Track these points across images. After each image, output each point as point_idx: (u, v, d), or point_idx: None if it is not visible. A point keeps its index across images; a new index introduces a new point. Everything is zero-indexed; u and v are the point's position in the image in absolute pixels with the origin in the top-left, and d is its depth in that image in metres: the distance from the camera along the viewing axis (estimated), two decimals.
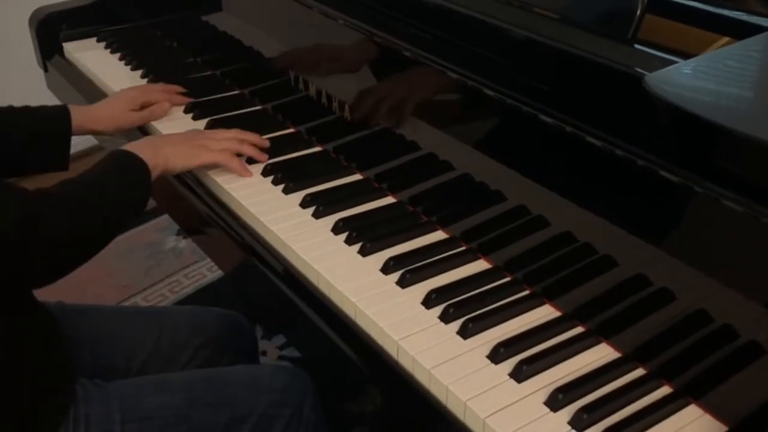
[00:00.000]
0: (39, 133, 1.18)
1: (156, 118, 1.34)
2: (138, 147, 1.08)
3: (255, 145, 1.21)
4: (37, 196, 0.92)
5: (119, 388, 1.01)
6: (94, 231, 0.97)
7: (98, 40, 1.65)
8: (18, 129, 1.17)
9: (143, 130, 1.35)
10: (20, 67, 2.00)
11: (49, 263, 0.92)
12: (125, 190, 1.03)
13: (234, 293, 1.86)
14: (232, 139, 1.19)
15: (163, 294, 2.11)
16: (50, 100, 1.68)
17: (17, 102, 1.22)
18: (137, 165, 1.05)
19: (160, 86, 1.40)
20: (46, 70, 1.68)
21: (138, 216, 1.07)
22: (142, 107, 1.34)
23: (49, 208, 0.92)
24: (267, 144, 1.22)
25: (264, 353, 1.75)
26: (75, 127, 1.23)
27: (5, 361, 0.91)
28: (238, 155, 1.18)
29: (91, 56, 1.60)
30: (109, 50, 1.62)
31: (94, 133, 1.31)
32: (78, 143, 1.25)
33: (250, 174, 1.16)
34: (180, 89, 1.40)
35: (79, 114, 1.25)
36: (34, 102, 1.23)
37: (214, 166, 1.18)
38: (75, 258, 0.95)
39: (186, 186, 1.23)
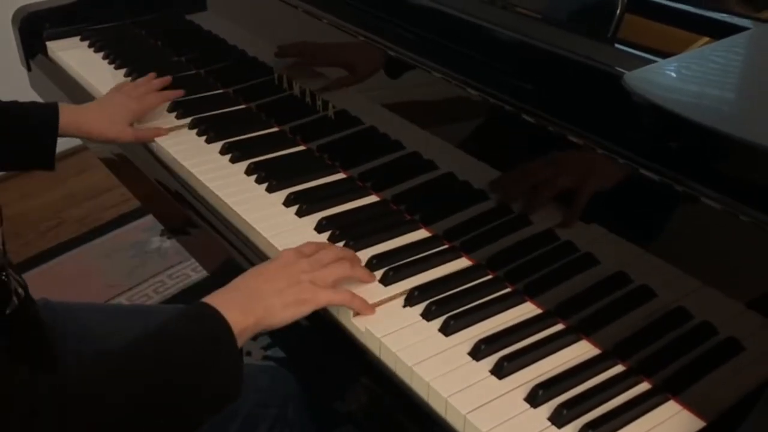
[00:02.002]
0: (23, 129, 1.15)
1: (151, 140, 1.28)
2: (227, 299, 0.82)
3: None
4: (48, 392, 0.69)
5: None
6: None
7: (82, 39, 1.65)
8: (2, 123, 1.14)
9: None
10: (2, 65, 1.99)
11: None
12: (187, 372, 0.75)
13: None
14: (341, 263, 0.92)
15: (148, 294, 2.11)
16: (34, 98, 1.68)
17: None
18: (214, 330, 0.78)
19: (152, 92, 1.33)
20: (29, 69, 1.67)
21: (217, 408, 0.78)
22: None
23: (62, 412, 0.68)
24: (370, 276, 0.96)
25: (249, 353, 1.75)
26: (63, 127, 1.19)
27: None
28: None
29: (75, 55, 1.59)
30: (92, 49, 1.61)
31: (84, 136, 1.26)
32: (62, 142, 1.22)
33: (373, 311, 0.91)
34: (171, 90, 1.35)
35: (70, 114, 1.20)
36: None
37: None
38: None
39: (167, 186, 1.23)
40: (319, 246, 0.95)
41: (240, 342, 0.80)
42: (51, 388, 0.70)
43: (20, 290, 0.95)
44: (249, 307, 0.82)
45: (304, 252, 0.93)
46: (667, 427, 0.79)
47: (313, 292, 0.87)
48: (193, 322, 0.80)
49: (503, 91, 0.94)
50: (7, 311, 0.90)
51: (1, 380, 0.68)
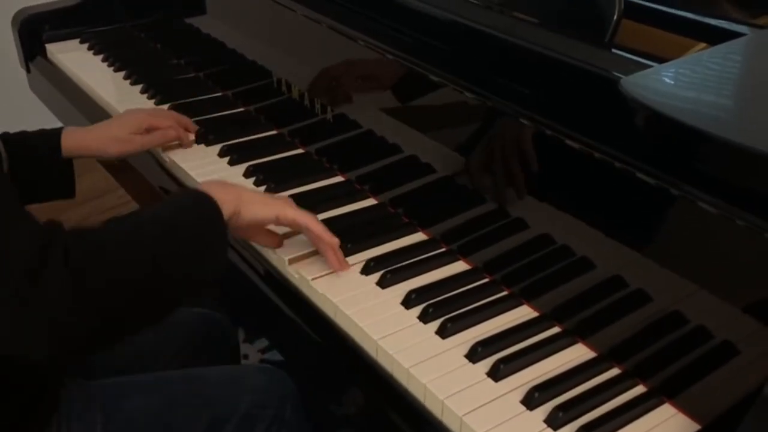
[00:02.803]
0: (26, 158, 1.12)
1: (163, 144, 1.25)
2: (211, 186, 0.93)
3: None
4: (64, 230, 0.76)
5: (101, 389, 1.00)
6: (141, 284, 0.79)
7: (81, 42, 1.65)
8: (7, 155, 1.11)
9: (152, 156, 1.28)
10: (2, 67, 1.99)
11: (82, 322, 0.74)
12: (185, 230, 0.85)
13: (217, 295, 1.86)
14: (318, 223, 0.99)
15: None
16: (33, 100, 1.69)
17: None
18: (203, 201, 0.88)
19: (169, 112, 1.31)
20: (28, 71, 1.67)
21: (213, 270, 0.87)
22: (148, 130, 1.23)
23: (80, 246, 0.75)
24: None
25: (246, 357, 1.74)
26: (68, 149, 1.16)
27: None
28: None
29: (74, 58, 1.60)
30: (92, 52, 1.62)
31: (97, 155, 1.23)
32: None
33: (346, 267, 0.99)
34: (190, 121, 1.30)
35: (76, 134, 1.17)
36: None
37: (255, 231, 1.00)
38: (114, 320, 0.77)
39: (166, 188, 1.23)
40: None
41: (225, 214, 0.89)
42: (70, 236, 0.76)
43: None
44: (230, 194, 0.93)
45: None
46: (663, 430, 0.79)
47: (282, 205, 0.97)
48: (191, 200, 0.89)
49: (501, 95, 0.95)
50: None
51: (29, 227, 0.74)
